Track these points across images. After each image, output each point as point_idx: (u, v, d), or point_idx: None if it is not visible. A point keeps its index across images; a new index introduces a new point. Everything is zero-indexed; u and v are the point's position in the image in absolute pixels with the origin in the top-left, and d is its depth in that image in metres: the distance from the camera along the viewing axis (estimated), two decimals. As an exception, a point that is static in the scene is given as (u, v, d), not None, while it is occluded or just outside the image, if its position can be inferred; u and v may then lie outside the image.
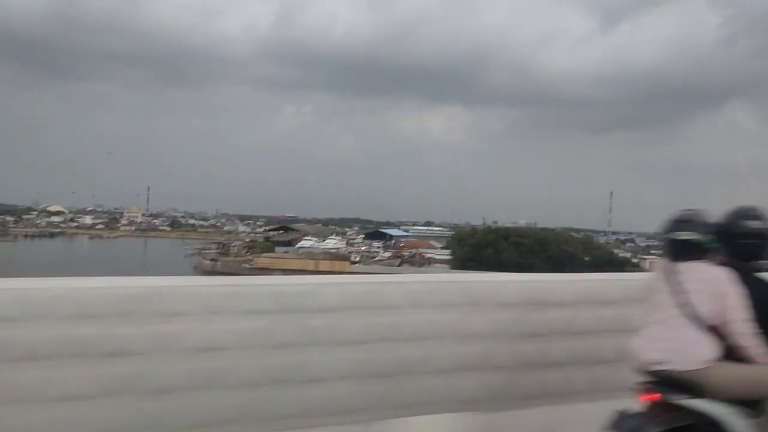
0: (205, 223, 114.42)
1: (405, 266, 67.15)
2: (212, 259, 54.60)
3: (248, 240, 78.36)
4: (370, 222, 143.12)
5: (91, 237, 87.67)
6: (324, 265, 51.39)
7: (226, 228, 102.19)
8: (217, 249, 69.43)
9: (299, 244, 73.63)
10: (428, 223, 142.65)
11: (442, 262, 72.78)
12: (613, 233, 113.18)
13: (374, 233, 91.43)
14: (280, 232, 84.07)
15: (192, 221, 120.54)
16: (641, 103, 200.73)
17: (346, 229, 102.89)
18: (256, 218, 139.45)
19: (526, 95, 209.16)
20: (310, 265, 51.39)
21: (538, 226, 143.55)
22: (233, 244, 69.82)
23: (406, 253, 75.59)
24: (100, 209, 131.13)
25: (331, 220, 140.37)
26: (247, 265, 51.74)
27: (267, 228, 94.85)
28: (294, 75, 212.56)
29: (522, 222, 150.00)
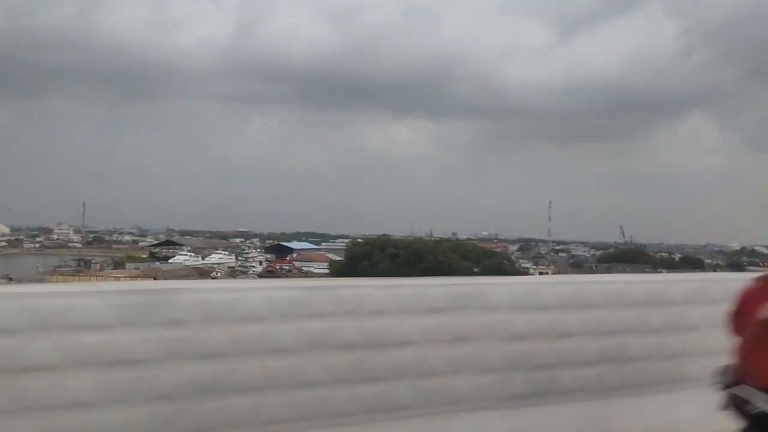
0: (130, 239, 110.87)
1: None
2: (9, 279, 50.79)
3: (126, 255, 74.56)
4: (328, 235, 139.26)
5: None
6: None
7: (140, 244, 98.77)
8: (77, 266, 65.66)
9: (172, 259, 69.69)
10: (384, 236, 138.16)
11: (320, 275, 68.60)
12: (554, 242, 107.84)
13: (275, 247, 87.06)
14: (164, 247, 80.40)
15: (128, 237, 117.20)
16: (603, 114, 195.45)
17: (263, 243, 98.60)
18: (202, 233, 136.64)
19: (489, 107, 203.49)
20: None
21: (499, 237, 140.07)
22: (94, 261, 66.04)
23: (286, 266, 71.26)
24: (69, 225, 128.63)
25: (283, 234, 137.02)
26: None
27: (152, 243, 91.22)
28: (257, 89, 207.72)
29: (484, 233, 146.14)
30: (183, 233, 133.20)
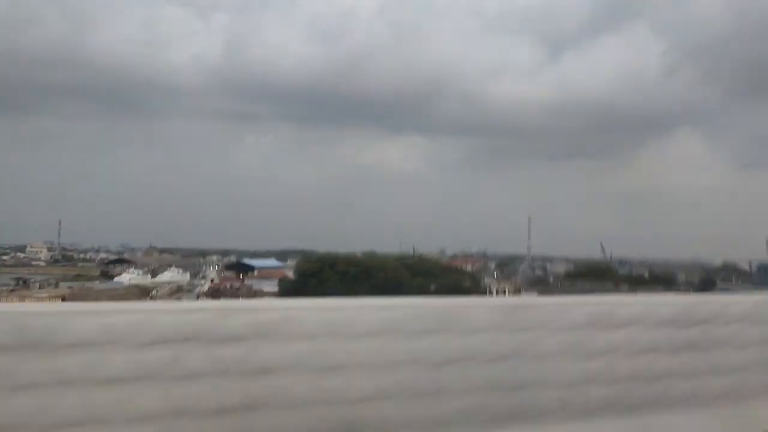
0: (105, 257, 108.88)
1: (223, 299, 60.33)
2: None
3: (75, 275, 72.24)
4: (315, 252, 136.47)
5: None
6: None
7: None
8: (15, 285, 63.32)
9: (117, 278, 67.27)
10: (370, 252, 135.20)
11: (270, 294, 65.85)
12: (539, 259, 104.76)
13: (236, 264, 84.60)
14: (115, 264, 78.27)
15: (103, 255, 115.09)
16: (592, 131, 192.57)
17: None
18: (183, 251, 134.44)
19: (480, 124, 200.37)
20: None
21: (488, 252, 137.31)
22: (34, 279, 63.71)
23: (237, 284, 68.57)
24: (44, 243, 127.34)
25: (268, 251, 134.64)
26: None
27: (103, 260, 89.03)
28: (249, 107, 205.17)
29: (474, 249, 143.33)
30: (162, 250, 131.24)
